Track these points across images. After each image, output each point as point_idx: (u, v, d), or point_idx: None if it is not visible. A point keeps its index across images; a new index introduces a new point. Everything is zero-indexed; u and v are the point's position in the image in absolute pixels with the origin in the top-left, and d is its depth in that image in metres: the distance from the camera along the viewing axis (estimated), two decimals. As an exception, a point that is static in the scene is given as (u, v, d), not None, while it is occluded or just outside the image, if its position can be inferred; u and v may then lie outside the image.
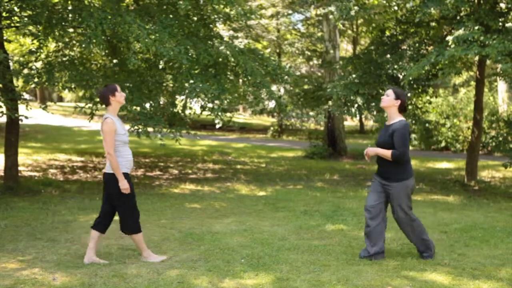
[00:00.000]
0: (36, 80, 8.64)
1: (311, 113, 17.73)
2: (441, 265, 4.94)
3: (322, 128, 22.39)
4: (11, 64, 9.44)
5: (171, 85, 10.36)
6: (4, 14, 8.46)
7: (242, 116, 35.98)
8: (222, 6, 9.82)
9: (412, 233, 5.13)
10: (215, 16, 10.84)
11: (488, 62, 10.62)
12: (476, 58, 9.63)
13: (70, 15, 8.56)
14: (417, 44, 10.47)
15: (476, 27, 8.24)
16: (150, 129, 8.95)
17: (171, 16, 9.16)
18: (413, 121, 11.74)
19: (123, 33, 7.86)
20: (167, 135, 9.22)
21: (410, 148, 20.52)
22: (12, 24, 9.08)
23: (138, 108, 8.70)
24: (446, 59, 8.17)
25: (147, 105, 9.27)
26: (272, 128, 25.59)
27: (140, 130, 8.90)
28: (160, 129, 8.79)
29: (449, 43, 8.37)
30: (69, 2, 8.73)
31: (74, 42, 10.07)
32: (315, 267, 4.80)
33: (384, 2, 11.07)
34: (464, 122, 18.24)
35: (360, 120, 28.44)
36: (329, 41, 16.35)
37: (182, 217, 7.18)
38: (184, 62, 8.15)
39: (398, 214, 5.06)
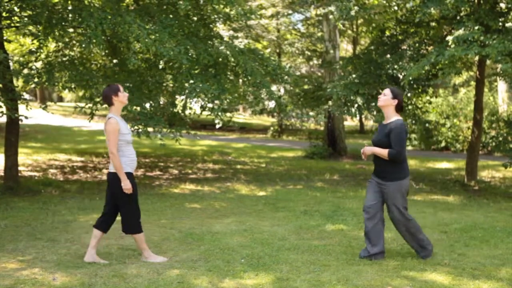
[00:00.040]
0: (36, 80, 8.64)
1: (311, 113, 17.73)
2: (441, 265, 4.94)
3: (322, 128, 22.39)
4: (11, 64, 9.44)
5: (171, 85, 10.37)
6: (4, 14, 8.46)
7: (242, 116, 35.97)
8: (222, 6, 9.82)
9: (407, 233, 5.12)
10: (215, 16, 10.84)
11: (488, 62, 10.62)
12: (476, 58, 9.62)
13: (70, 15, 8.57)
14: (417, 44, 10.47)
15: (476, 27, 8.24)
16: (150, 129, 8.96)
17: (171, 16, 9.16)
18: (413, 121, 11.74)
19: (123, 33, 7.86)
20: (167, 135, 9.22)
21: (410, 148, 20.42)
22: (12, 24, 9.08)
23: (138, 108, 8.70)
24: (446, 59, 8.17)
25: (147, 105, 9.27)
26: (272, 128, 25.59)
27: (140, 130, 8.90)
28: (160, 129, 8.80)
29: (449, 43, 8.37)
30: (69, 2, 8.73)
31: (74, 42, 10.08)
32: (315, 267, 4.80)
33: (384, 2, 11.06)
34: (464, 122, 18.24)
35: (360, 120, 28.44)
36: (329, 41, 16.35)
37: (182, 217, 7.18)
38: (184, 62, 8.15)
39: (393, 214, 5.05)
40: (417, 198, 9.32)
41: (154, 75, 10.13)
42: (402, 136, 4.90)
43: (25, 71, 8.97)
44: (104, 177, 10.85)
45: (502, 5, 9.49)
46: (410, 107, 11.37)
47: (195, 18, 10.26)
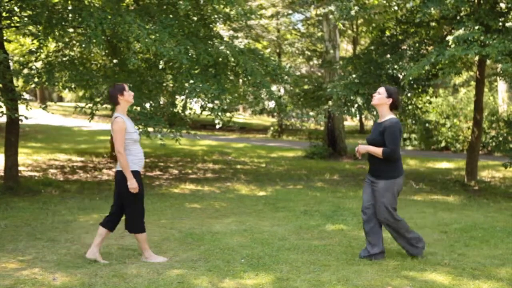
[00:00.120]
0: (36, 80, 8.64)
1: (311, 113, 17.71)
2: (441, 265, 4.94)
3: (322, 128, 22.39)
4: (11, 64, 9.44)
5: (171, 85, 10.37)
6: (4, 14, 8.46)
7: (242, 116, 35.97)
8: (222, 6, 9.82)
9: (395, 233, 5.08)
10: (215, 16, 10.84)
11: (488, 62, 10.62)
12: (476, 58, 9.62)
13: (70, 15, 8.57)
14: (417, 44, 10.47)
15: (476, 27, 8.24)
16: (150, 129, 8.96)
17: (171, 16, 9.16)
18: (413, 121, 11.74)
19: (123, 33, 7.86)
20: (167, 135, 9.22)
21: (410, 148, 20.39)
22: (12, 24, 9.08)
23: (138, 108, 8.70)
24: (446, 59, 8.17)
25: (147, 105, 9.28)
26: (272, 128, 25.59)
27: (140, 130, 8.90)
28: (160, 129, 8.80)
29: (449, 43, 8.37)
30: (69, 2, 8.73)
31: (74, 42, 10.08)
32: (315, 267, 4.80)
33: (384, 2, 11.06)
34: (464, 122, 18.23)
35: (360, 120, 28.43)
36: (329, 41, 16.35)
37: (182, 217, 7.18)
38: (184, 62, 8.15)
39: (380, 214, 4.96)
40: (417, 198, 9.33)
41: (154, 75, 10.13)
42: (396, 134, 4.88)
43: (25, 71, 8.98)
44: (104, 177, 10.85)
45: (502, 5, 9.49)
46: (410, 107, 11.37)
47: (195, 18, 10.26)
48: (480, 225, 6.86)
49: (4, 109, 8.17)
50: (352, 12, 9.95)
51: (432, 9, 9.00)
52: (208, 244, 5.61)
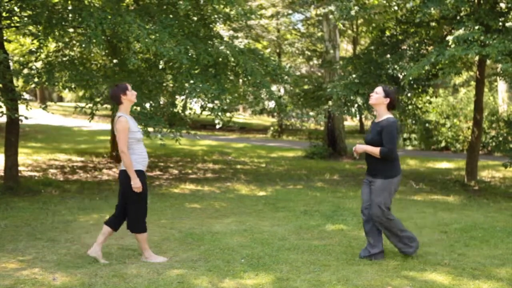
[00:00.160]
0: (36, 80, 8.64)
1: (311, 113, 17.73)
2: (441, 265, 4.94)
3: (322, 128, 22.39)
4: (11, 64, 9.44)
5: (171, 85, 10.37)
6: (4, 14, 8.46)
7: (242, 116, 35.97)
8: (222, 6, 9.82)
9: (387, 231, 5.07)
10: (215, 16, 10.84)
11: (488, 62, 10.61)
12: (476, 58, 9.62)
13: (70, 15, 8.57)
14: (417, 44, 10.47)
15: (476, 27, 8.24)
16: (150, 129, 8.96)
17: (171, 16, 9.16)
18: (413, 121, 11.73)
19: (123, 33, 7.86)
20: (167, 135, 9.22)
21: (410, 148, 20.38)
22: (12, 24, 9.08)
23: (138, 108, 8.70)
24: (446, 59, 8.17)
25: (147, 105, 9.28)
26: (272, 128, 25.59)
27: (140, 130, 8.90)
28: (160, 129, 8.80)
29: (449, 43, 8.37)
30: (69, 2, 8.73)
31: (74, 42, 10.08)
32: (315, 267, 4.80)
33: (384, 2, 11.06)
34: (464, 122, 18.24)
35: (360, 120, 28.42)
36: (329, 41, 16.34)
37: (182, 217, 7.18)
38: (184, 62, 8.15)
39: (373, 211, 4.95)
40: (417, 198, 9.33)
41: (154, 75, 10.13)
42: (393, 134, 4.89)
43: (25, 71, 8.97)
44: (104, 177, 10.86)
45: (502, 5, 9.48)
46: (410, 107, 11.37)
47: (195, 18, 10.26)
48: (480, 225, 6.86)
49: (4, 109, 8.17)
50: (352, 12, 9.95)
51: (432, 9, 9.00)
52: (208, 244, 5.61)
